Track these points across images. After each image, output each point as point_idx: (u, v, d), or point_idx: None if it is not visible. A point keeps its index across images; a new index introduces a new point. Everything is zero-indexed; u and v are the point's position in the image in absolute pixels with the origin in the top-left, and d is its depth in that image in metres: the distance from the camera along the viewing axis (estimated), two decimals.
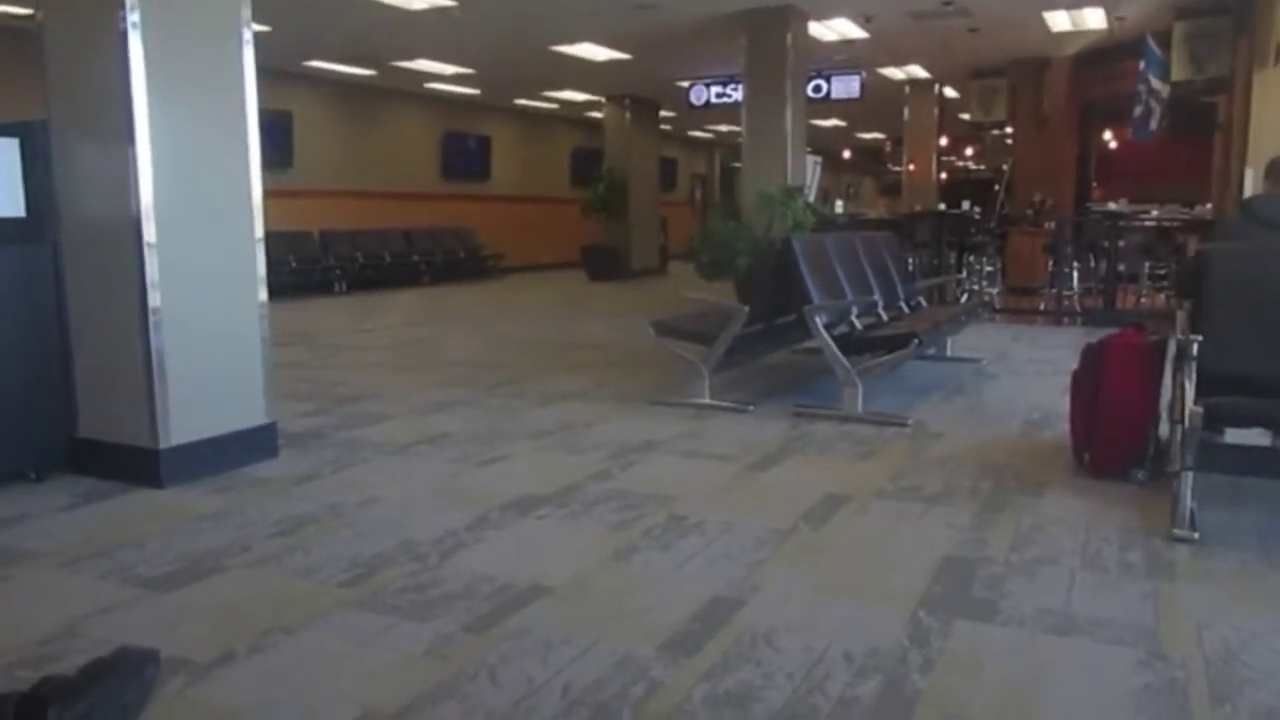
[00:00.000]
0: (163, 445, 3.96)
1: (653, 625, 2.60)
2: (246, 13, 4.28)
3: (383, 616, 2.68)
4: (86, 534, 3.41)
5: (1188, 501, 3.33)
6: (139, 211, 3.86)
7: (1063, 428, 4.56)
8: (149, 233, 3.89)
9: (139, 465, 3.97)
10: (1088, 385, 4.08)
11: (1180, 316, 4.02)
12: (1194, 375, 3.49)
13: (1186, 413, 3.31)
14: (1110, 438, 4.01)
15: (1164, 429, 4.04)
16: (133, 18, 3.79)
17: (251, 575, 3.02)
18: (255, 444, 4.34)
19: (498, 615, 2.68)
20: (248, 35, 4.28)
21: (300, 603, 2.79)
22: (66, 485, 3.99)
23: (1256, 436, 3.82)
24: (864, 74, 12.68)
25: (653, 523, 3.48)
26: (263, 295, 4.41)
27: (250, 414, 4.36)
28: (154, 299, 3.92)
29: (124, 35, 3.79)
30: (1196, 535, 3.26)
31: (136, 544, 3.28)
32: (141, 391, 3.96)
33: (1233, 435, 3.81)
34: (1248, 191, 7.95)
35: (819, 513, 3.61)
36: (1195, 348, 3.50)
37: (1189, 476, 3.32)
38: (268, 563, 3.11)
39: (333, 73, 13.94)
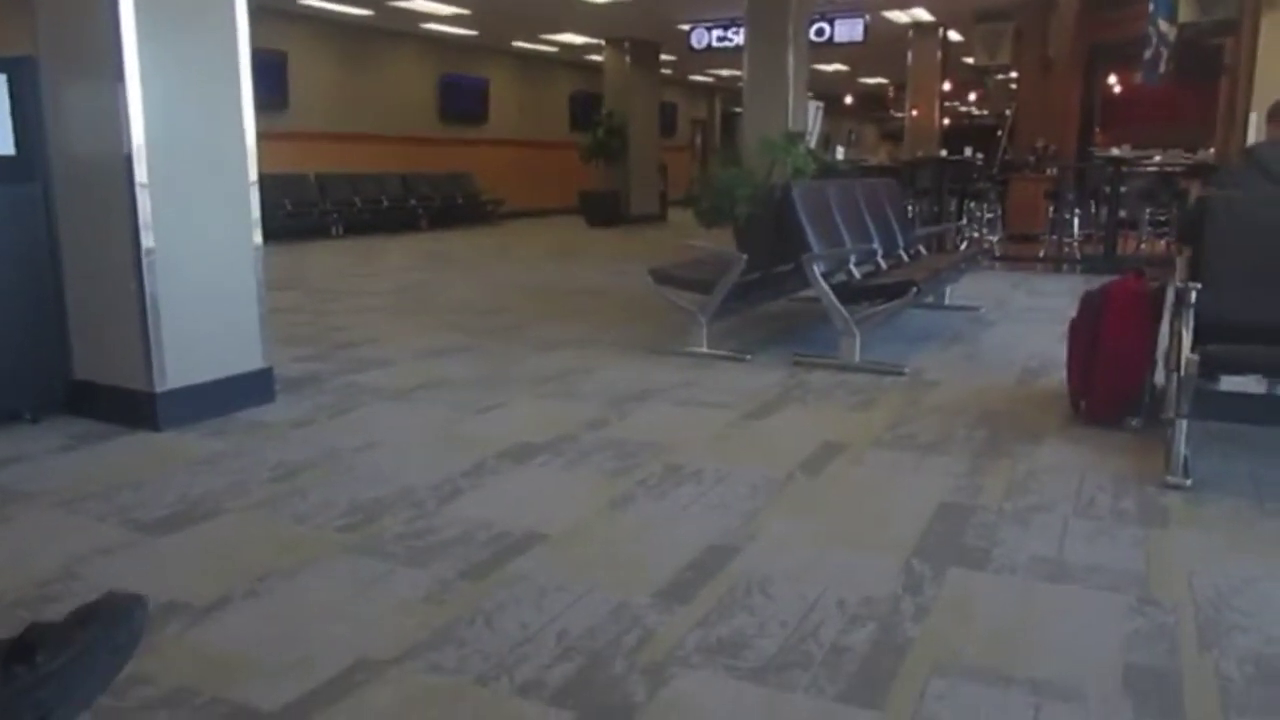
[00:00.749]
0: (159, 388, 3.96)
1: (647, 573, 2.62)
2: None
3: (381, 562, 2.70)
4: (83, 476, 3.42)
5: (1182, 449, 3.33)
6: (130, 151, 3.81)
7: (1060, 375, 4.56)
8: (140, 173, 3.84)
9: (136, 408, 3.98)
10: (1086, 332, 4.06)
11: (1180, 263, 4.00)
12: (1191, 322, 3.48)
13: (1183, 360, 3.30)
14: (1107, 385, 4.01)
15: (1159, 376, 4.04)
16: None
17: (249, 519, 3.03)
18: (252, 388, 4.33)
19: (494, 562, 2.69)
20: None
21: (298, 547, 2.81)
22: (63, 427, 3.99)
23: (1252, 384, 3.82)
24: (867, 17, 12.49)
25: (649, 471, 3.49)
26: (257, 238, 4.37)
27: (247, 358, 4.35)
28: (147, 240, 3.88)
29: None
30: (1189, 482, 3.27)
31: (134, 486, 3.29)
32: (136, 334, 3.95)
33: (1228, 382, 3.82)
34: (1252, 135, 7.85)
35: (815, 461, 3.62)
36: (1193, 295, 3.49)
37: (1183, 424, 3.32)
38: (265, 507, 3.12)
39: (328, 11, 13.69)
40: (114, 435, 3.88)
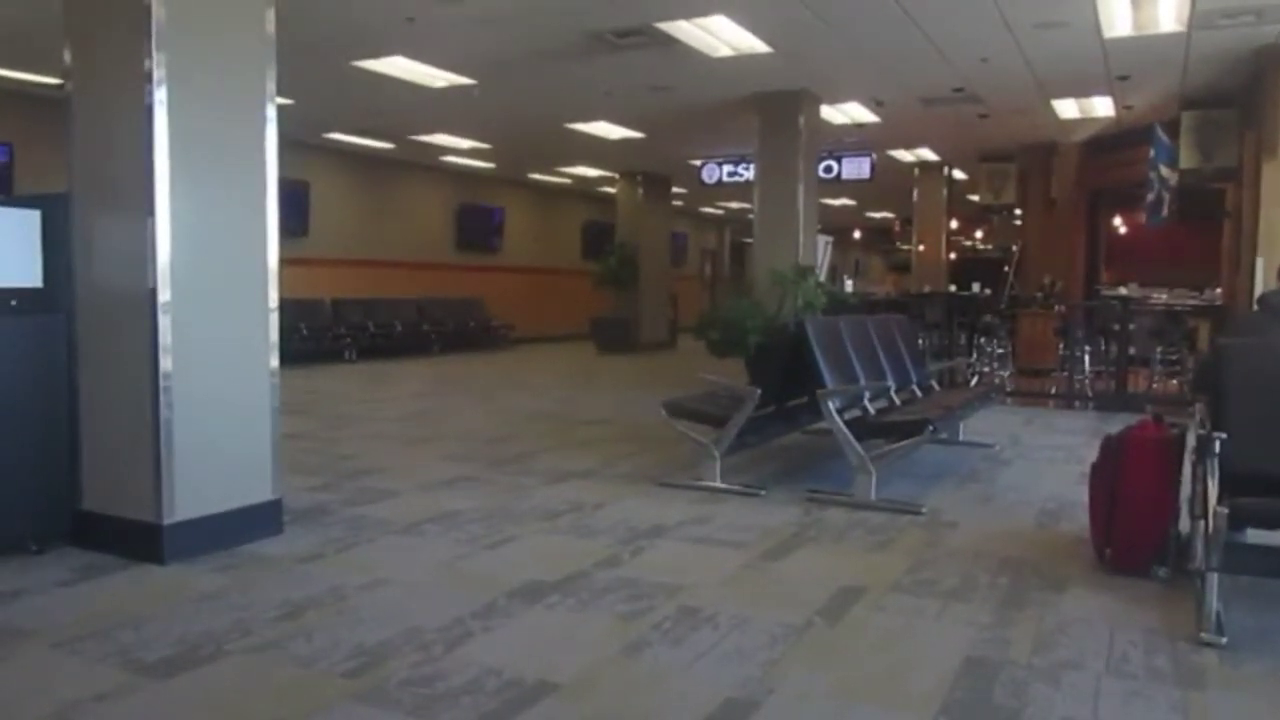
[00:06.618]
0: (166, 520, 3.91)
1: None
2: (271, 88, 4.35)
3: (386, 711, 2.59)
4: (84, 612, 3.34)
5: (1214, 603, 3.24)
6: (155, 282, 3.87)
7: (1079, 519, 4.48)
8: (163, 302, 3.89)
9: (141, 540, 3.91)
10: (1107, 479, 4.01)
11: (1199, 409, 3.97)
12: (1216, 473, 3.43)
13: (1210, 512, 3.24)
14: (1131, 533, 3.93)
15: (1183, 523, 3.96)
16: (159, 94, 3.85)
17: (251, 662, 2.93)
18: (260, 520, 4.28)
19: (504, 713, 2.58)
20: (271, 112, 4.34)
21: (301, 694, 2.71)
22: (67, 559, 3.92)
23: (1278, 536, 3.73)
24: (874, 156, 12.87)
25: (663, 615, 3.39)
26: (274, 365, 4.39)
27: (256, 489, 4.30)
28: (165, 364, 3.90)
29: (150, 110, 3.84)
30: (1224, 640, 3.16)
31: (135, 624, 3.20)
32: (148, 464, 3.93)
33: (1255, 535, 3.73)
34: (1258, 279, 7.95)
35: (834, 607, 3.52)
36: (1217, 445, 3.44)
37: (1214, 578, 3.23)
38: (268, 649, 3.03)
39: (351, 145, 14.17)
40: (118, 568, 3.81)
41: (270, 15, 4.33)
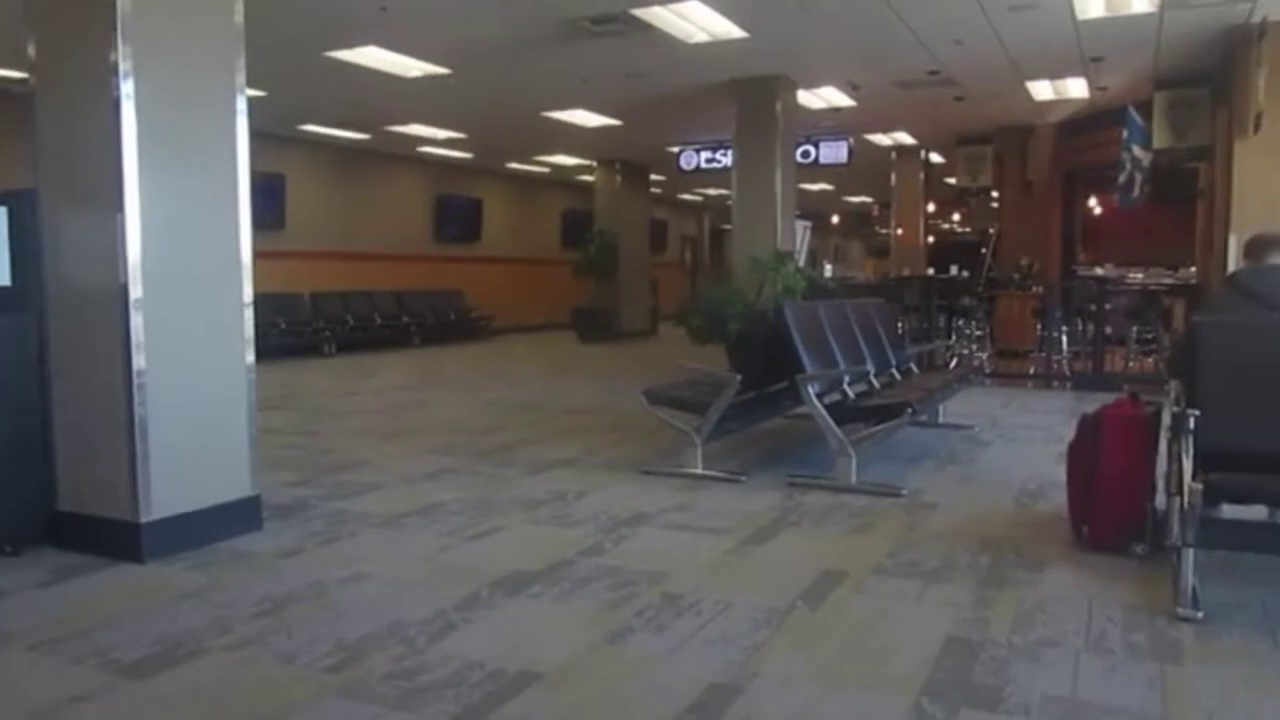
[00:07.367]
0: (144, 519, 3.87)
1: (647, 717, 2.51)
2: (241, 80, 4.29)
3: (369, 706, 2.58)
4: (62, 613, 3.31)
5: (1190, 579, 3.27)
6: (126, 278, 3.82)
7: (1058, 498, 4.51)
8: (135, 299, 3.84)
9: (119, 539, 3.88)
10: (1084, 457, 4.04)
11: (1174, 386, 4.00)
12: (1191, 450, 3.46)
13: (1186, 489, 3.27)
14: (1109, 510, 3.96)
15: (1160, 500, 3.99)
16: (126, 87, 3.79)
17: (231, 660, 2.91)
18: (239, 517, 4.24)
19: (487, 705, 2.58)
20: (241, 104, 4.29)
21: (282, 690, 2.69)
22: (44, 559, 3.88)
23: (1255, 511, 3.77)
24: (851, 140, 12.88)
25: (646, 602, 3.40)
26: (250, 359, 4.35)
27: (234, 485, 4.27)
28: (139, 361, 3.86)
29: (117, 104, 3.79)
30: (1200, 615, 3.19)
31: (113, 624, 3.17)
32: (124, 462, 3.89)
33: (1230, 510, 3.77)
34: (1232, 257, 8.02)
35: (816, 590, 3.53)
36: (1192, 422, 3.47)
37: (1190, 553, 3.27)
38: (249, 646, 3.01)
39: (326, 136, 14.05)
40: (95, 568, 3.77)
41: (239, 5, 4.27)
